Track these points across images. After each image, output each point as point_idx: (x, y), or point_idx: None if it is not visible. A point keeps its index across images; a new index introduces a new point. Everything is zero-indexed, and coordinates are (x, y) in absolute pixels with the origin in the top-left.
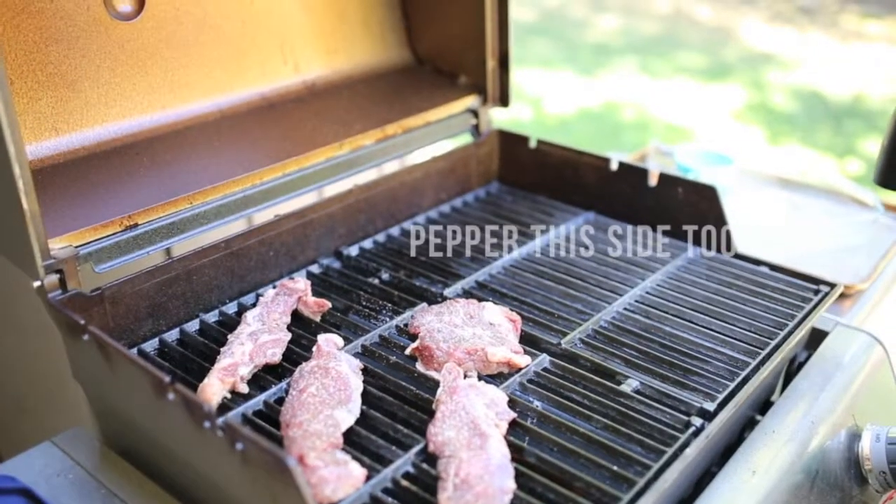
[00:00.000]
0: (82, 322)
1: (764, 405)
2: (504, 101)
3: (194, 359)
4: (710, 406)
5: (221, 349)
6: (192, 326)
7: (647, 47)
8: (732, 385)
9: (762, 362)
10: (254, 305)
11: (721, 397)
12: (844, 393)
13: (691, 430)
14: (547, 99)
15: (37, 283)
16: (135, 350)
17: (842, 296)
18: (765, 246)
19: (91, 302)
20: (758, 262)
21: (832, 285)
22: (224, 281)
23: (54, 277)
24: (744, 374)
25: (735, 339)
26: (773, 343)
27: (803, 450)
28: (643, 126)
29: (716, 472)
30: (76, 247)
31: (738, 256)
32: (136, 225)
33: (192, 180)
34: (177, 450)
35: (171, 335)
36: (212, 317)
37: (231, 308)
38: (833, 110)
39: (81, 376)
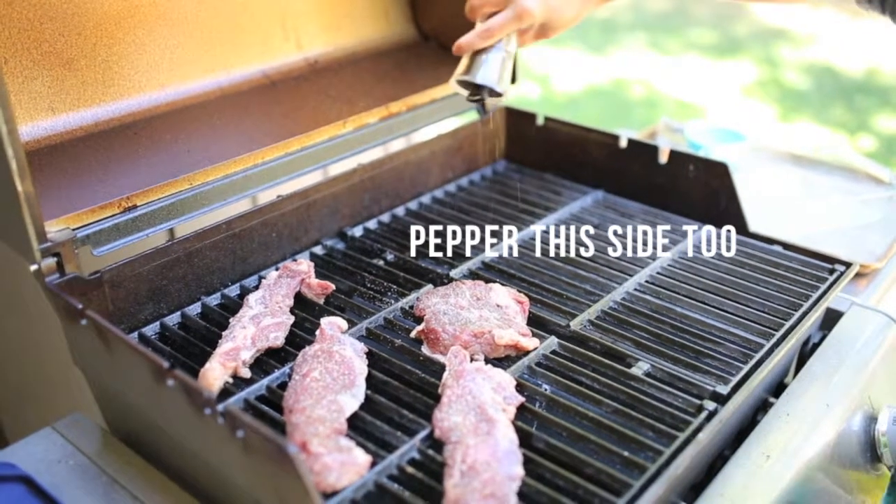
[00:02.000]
0: (80, 307)
1: (778, 387)
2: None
3: (196, 343)
4: (724, 389)
5: (223, 333)
6: (194, 310)
7: (657, 23)
8: (746, 368)
9: (776, 344)
10: (256, 288)
11: (735, 380)
12: (860, 375)
13: (704, 414)
14: (555, 76)
15: (33, 267)
16: (135, 334)
17: (857, 275)
18: (778, 224)
19: (90, 286)
20: (771, 241)
21: (848, 264)
22: (226, 263)
23: (51, 261)
24: (758, 356)
25: (748, 320)
26: (788, 324)
27: (818, 433)
28: (652, 103)
29: (729, 455)
30: (73, 229)
31: (750, 235)
32: (134, 206)
33: (192, 160)
34: (178, 437)
35: (173, 319)
36: (214, 300)
37: (233, 291)
38: (845, 86)
39: (81, 362)
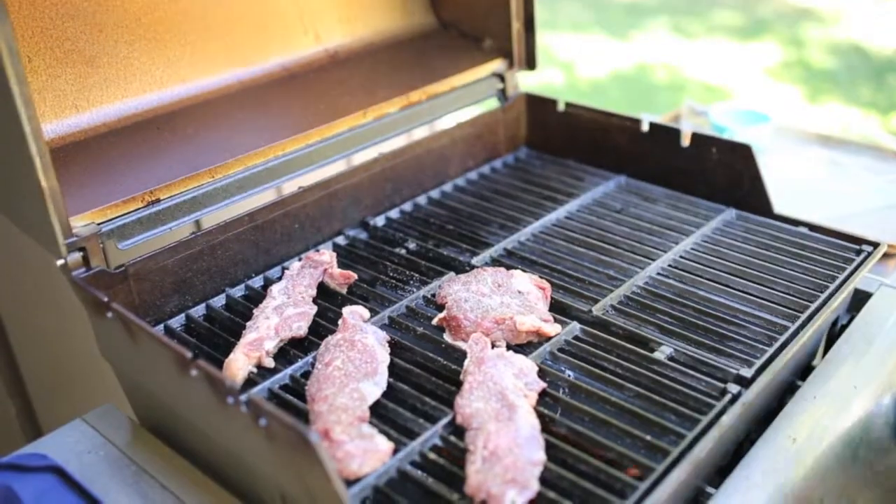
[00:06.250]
0: (106, 300)
1: (805, 370)
2: (531, 63)
3: (220, 334)
4: (748, 372)
5: (247, 324)
6: (218, 301)
7: (681, 7)
8: (771, 350)
9: (802, 326)
10: (279, 279)
11: (759, 363)
12: (889, 356)
13: (727, 397)
14: (579, 63)
15: (60, 262)
16: (161, 327)
17: (885, 255)
18: (804, 205)
19: (115, 279)
20: (797, 223)
21: (875, 245)
22: (249, 255)
23: (77, 255)
24: (783, 338)
25: (773, 302)
26: (814, 306)
27: (846, 416)
28: (677, 87)
29: (755, 439)
30: (98, 224)
31: (775, 217)
32: (158, 200)
33: (214, 153)
34: (203, 426)
35: (198, 311)
36: (238, 291)
37: (257, 282)
38: (875, 65)
39: (109, 354)
